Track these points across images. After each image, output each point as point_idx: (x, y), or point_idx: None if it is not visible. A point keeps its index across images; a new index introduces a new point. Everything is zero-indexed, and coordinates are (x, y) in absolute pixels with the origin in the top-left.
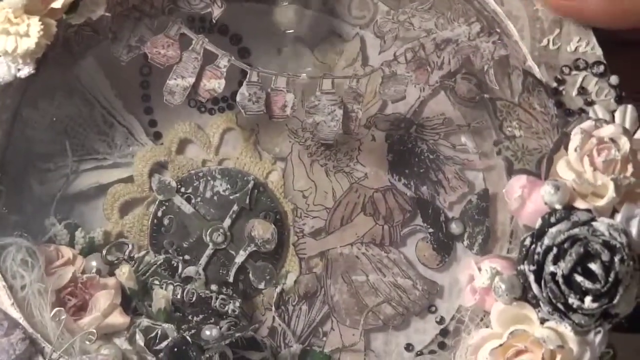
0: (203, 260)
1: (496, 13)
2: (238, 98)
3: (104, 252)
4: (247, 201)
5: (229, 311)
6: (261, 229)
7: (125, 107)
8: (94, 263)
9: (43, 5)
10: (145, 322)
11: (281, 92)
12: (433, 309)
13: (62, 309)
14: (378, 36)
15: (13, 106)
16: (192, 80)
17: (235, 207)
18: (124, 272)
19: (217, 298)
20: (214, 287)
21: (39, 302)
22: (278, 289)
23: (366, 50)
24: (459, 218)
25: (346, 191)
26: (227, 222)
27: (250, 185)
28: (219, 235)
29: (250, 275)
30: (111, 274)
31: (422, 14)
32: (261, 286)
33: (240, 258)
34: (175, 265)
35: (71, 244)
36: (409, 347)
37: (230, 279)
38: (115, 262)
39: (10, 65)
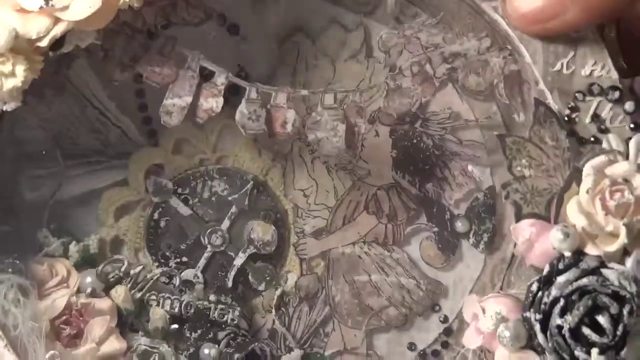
0: (201, 263)
1: (508, 34)
2: (237, 117)
3: (100, 268)
4: (246, 202)
5: (228, 320)
6: (261, 231)
7: (119, 106)
8: (88, 279)
9: (29, 45)
10: (142, 345)
11: (281, 109)
12: (437, 307)
13: (56, 352)
14: (382, 50)
15: None
16: (189, 99)
17: (233, 209)
18: (119, 293)
19: (215, 308)
20: (212, 297)
21: (33, 341)
22: (278, 291)
23: (370, 40)
24: (464, 215)
25: (348, 189)
26: (226, 223)
27: (249, 186)
28: (218, 237)
29: (250, 276)
30: (107, 290)
31: (430, 29)
32: (261, 288)
33: (239, 260)
34: (173, 274)
35: (65, 255)
36: (411, 346)
37: (230, 283)
38: (111, 278)
39: None
